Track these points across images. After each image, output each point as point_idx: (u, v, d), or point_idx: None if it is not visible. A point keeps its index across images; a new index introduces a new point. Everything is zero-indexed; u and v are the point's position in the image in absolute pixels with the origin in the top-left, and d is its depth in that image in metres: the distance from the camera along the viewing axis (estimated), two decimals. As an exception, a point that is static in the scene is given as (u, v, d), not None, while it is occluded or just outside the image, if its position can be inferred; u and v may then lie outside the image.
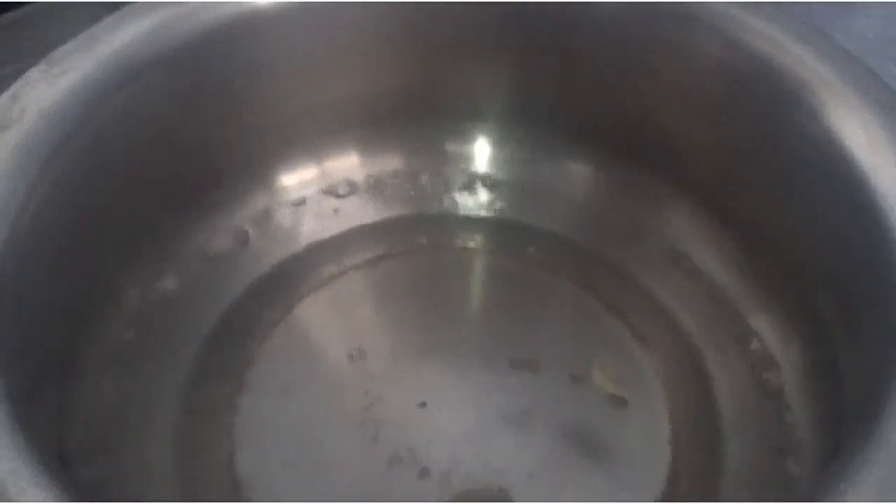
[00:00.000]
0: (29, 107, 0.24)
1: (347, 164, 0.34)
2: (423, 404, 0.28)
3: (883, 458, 0.18)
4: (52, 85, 0.25)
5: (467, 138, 0.34)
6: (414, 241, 0.33)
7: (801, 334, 0.27)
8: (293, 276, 0.32)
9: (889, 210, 0.23)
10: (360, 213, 0.33)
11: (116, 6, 0.28)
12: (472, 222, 0.34)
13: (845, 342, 0.24)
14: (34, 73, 0.25)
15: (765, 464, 0.26)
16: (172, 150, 0.29)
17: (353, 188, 0.34)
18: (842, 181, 0.24)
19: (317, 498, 0.26)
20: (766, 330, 0.29)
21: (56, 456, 0.24)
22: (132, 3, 0.28)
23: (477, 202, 0.34)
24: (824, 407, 0.25)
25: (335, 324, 0.31)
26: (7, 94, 0.25)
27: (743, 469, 0.27)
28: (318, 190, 0.33)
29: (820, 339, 0.26)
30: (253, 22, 0.29)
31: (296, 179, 0.33)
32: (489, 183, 0.34)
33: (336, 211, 0.33)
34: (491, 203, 0.34)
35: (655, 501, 0.26)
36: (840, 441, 0.22)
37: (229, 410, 0.28)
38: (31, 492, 0.18)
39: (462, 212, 0.34)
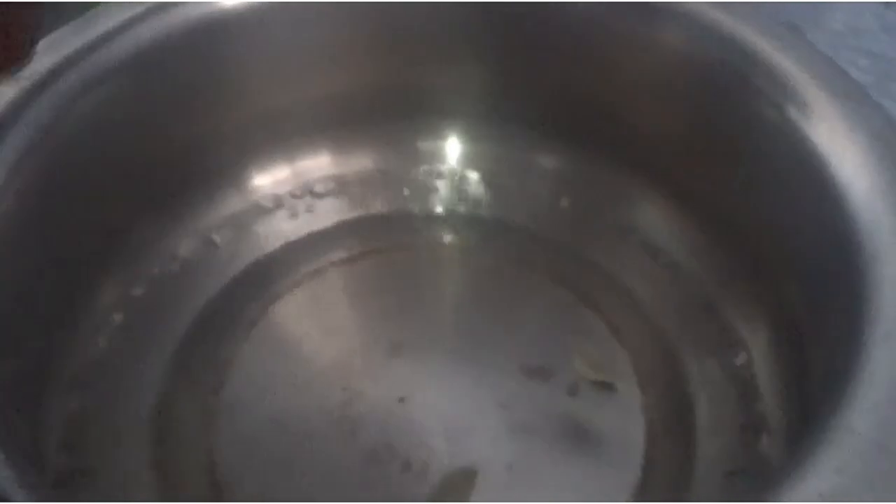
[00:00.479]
0: (-5, 111, 0.24)
1: (320, 163, 0.34)
2: (402, 399, 0.28)
3: (845, 441, 0.18)
4: (17, 89, 0.25)
5: (439, 136, 0.34)
6: (388, 239, 0.33)
7: (769, 319, 0.28)
8: (268, 276, 0.32)
9: (849, 196, 0.23)
10: (334, 212, 0.34)
11: (84, 6, 0.28)
12: (445, 219, 0.34)
13: (810, 326, 0.25)
14: (-1, 76, 0.25)
15: (737, 445, 0.27)
16: (142, 154, 0.29)
17: (326, 187, 0.34)
18: (804, 169, 0.25)
19: (297, 494, 0.26)
20: (735, 316, 0.29)
21: (32, 461, 0.24)
22: (97, 4, 0.28)
23: (449, 199, 0.34)
24: (792, 389, 0.26)
25: (312, 322, 0.31)
26: (-28, 100, 0.25)
27: (716, 451, 0.27)
28: (291, 190, 0.33)
29: (786, 324, 0.26)
30: (221, 23, 0.29)
31: (269, 180, 0.33)
32: (461, 180, 0.34)
33: (310, 210, 0.33)
34: (463, 200, 0.34)
35: (632, 487, 0.26)
36: (806, 420, 0.22)
37: (208, 410, 0.28)
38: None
39: (435, 209, 0.34)
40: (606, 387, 0.29)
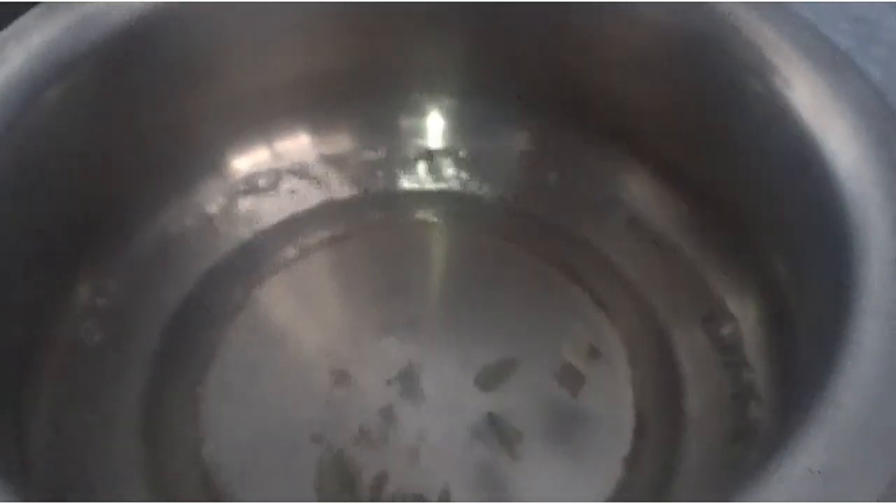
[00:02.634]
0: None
1: (299, 144, 0.33)
2: (390, 381, 0.28)
3: (834, 417, 0.18)
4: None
5: (420, 112, 0.34)
6: (371, 218, 0.33)
7: (756, 291, 0.28)
8: (251, 259, 0.32)
9: (835, 166, 0.23)
10: (315, 192, 0.33)
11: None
12: (428, 196, 0.34)
13: (798, 297, 0.25)
14: (-34, 67, 0.24)
15: (725, 417, 0.27)
16: (116, 141, 0.28)
17: (306, 168, 0.33)
18: (789, 140, 0.25)
19: (288, 478, 0.26)
20: (722, 287, 0.29)
21: (17, 456, 0.24)
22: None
23: (432, 176, 0.34)
24: (780, 360, 0.26)
25: (297, 305, 0.31)
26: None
27: (704, 422, 0.27)
28: (271, 172, 0.33)
29: (774, 295, 0.26)
30: (194, 4, 0.28)
31: (248, 163, 0.33)
32: (444, 156, 0.34)
33: (291, 192, 0.33)
34: (447, 176, 0.34)
35: (622, 461, 0.26)
36: (795, 393, 0.22)
37: (195, 396, 0.28)
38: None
39: (418, 186, 0.34)
40: (594, 362, 0.29)
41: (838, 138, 0.24)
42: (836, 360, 0.19)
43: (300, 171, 0.33)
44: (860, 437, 0.18)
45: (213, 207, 0.32)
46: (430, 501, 0.26)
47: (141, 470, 0.26)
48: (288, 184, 0.33)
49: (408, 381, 0.28)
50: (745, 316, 0.28)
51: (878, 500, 0.16)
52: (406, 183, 0.34)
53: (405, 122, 0.34)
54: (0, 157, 0.24)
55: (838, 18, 0.41)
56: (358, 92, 0.32)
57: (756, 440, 0.26)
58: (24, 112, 0.25)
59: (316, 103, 0.32)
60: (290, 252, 0.32)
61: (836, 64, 0.25)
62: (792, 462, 0.17)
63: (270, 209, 0.33)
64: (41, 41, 0.25)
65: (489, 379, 0.28)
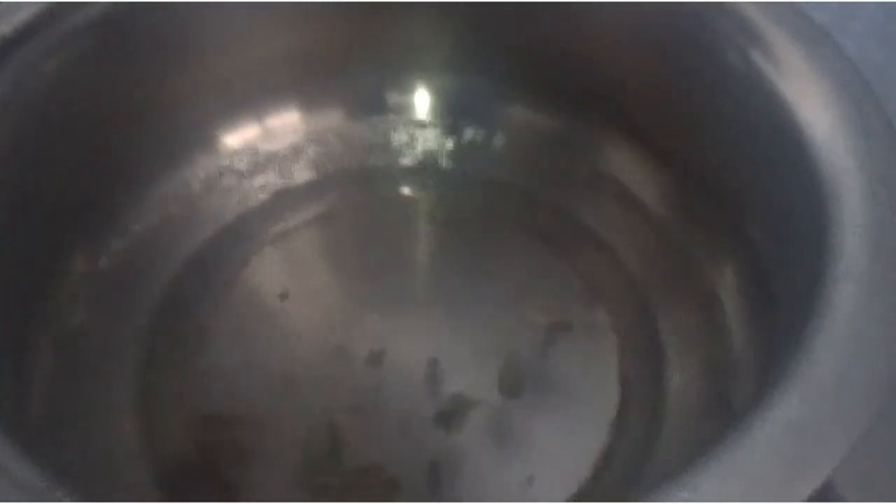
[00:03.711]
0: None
1: (289, 120, 0.33)
2: (382, 352, 0.29)
3: (809, 373, 0.19)
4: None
5: (408, 89, 0.34)
6: (360, 194, 0.33)
7: (736, 258, 0.28)
8: (242, 235, 0.32)
9: (812, 137, 0.24)
10: (304, 169, 0.34)
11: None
12: (416, 172, 0.34)
13: (776, 264, 0.25)
14: (-42, 44, 0.25)
15: (708, 384, 0.28)
16: (109, 116, 0.29)
17: (296, 145, 0.34)
18: (768, 112, 0.25)
19: (286, 453, 0.27)
20: (704, 257, 0.30)
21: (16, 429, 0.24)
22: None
23: (420, 152, 0.34)
24: (760, 327, 0.26)
25: (288, 281, 0.31)
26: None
27: (687, 389, 0.28)
28: (260, 148, 0.33)
29: (753, 262, 0.27)
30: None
31: (238, 139, 0.33)
32: (432, 132, 0.34)
33: (280, 168, 0.33)
34: (434, 153, 0.34)
35: (608, 426, 0.27)
36: (774, 357, 0.23)
37: (188, 373, 0.29)
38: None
39: (406, 162, 0.34)
40: (577, 332, 0.29)
41: (814, 109, 0.24)
42: (812, 320, 0.20)
43: (290, 148, 0.34)
44: (834, 391, 0.18)
45: (203, 183, 0.32)
46: (420, 472, 0.26)
47: (137, 439, 0.27)
48: (277, 159, 0.33)
49: (398, 353, 0.29)
50: (725, 284, 0.29)
51: (850, 449, 0.17)
52: (394, 158, 0.34)
53: (393, 99, 0.34)
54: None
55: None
56: (347, 68, 0.33)
57: (736, 405, 0.26)
58: (19, 85, 0.25)
59: (305, 80, 0.33)
60: (279, 228, 0.32)
61: (812, 37, 0.25)
62: (770, 415, 0.18)
63: (259, 185, 0.33)
64: (35, 17, 0.26)
65: (477, 350, 0.29)
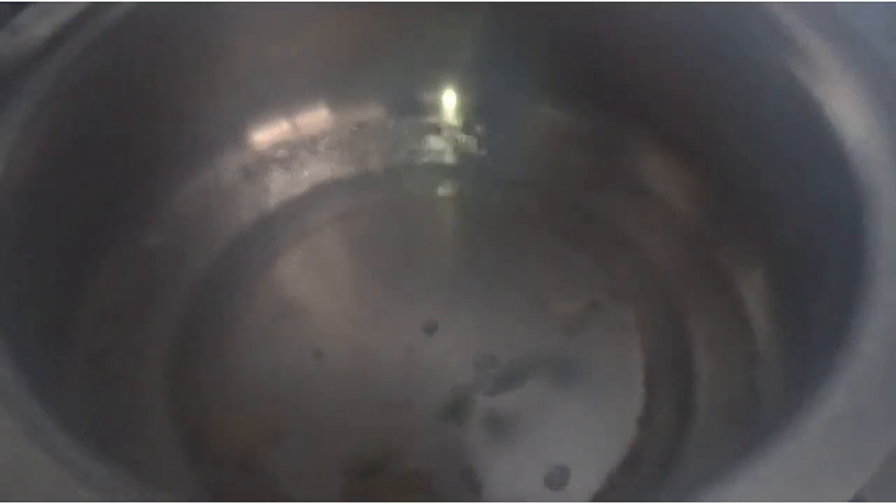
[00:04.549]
0: (-4, 77, 0.24)
1: (319, 118, 0.34)
2: (410, 349, 0.29)
3: (854, 364, 0.19)
4: (17, 55, 0.24)
5: (436, 87, 0.34)
6: (386, 192, 0.33)
7: (765, 259, 0.28)
8: (270, 232, 0.32)
9: (845, 134, 0.24)
10: (334, 166, 0.34)
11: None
12: (443, 171, 0.34)
13: (806, 261, 0.26)
14: (-3, 43, 0.25)
15: (736, 381, 0.28)
16: (143, 113, 0.29)
17: (325, 141, 0.34)
18: (800, 111, 0.26)
19: (313, 454, 0.27)
20: (732, 257, 0.30)
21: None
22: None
23: (447, 151, 0.35)
24: (788, 322, 0.26)
25: (314, 278, 0.31)
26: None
27: (714, 384, 0.28)
28: (290, 145, 0.33)
29: (782, 261, 0.27)
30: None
31: (268, 136, 0.33)
32: (459, 132, 0.35)
33: (309, 165, 0.34)
34: (461, 151, 0.35)
35: (636, 421, 0.27)
36: (807, 350, 0.24)
37: (217, 368, 0.29)
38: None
39: (433, 161, 0.34)
40: (603, 328, 0.30)
41: (847, 109, 0.24)
42: (855, 315, 0.20)
43: (318, 145, 0.34)
44: (880, 383, 0.19)
45: (231, 180, 0.32)
46: (453, 468, 0.26)
47: (167, 418, 0.27)
48: (306, 156, 0.34)
49: (426, 349, 0.29)
50: (754, 283, 0.29)
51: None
52: (421, 157, 0.34)
53: (421, 98, 0.34)
54: (40, 128, 0.25)
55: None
56: (377, 66, 0.33)
57: (762, 404, 0.26)
58: (59, 83, 0.25)
59: (335, 77, 0.33)
60: (308, 224, 0.32)
61: (845, 38, 0.26)
62: (820, 408, 0.18)
63: (288, 182, 0.33)
64: (73, 16, 0.26)
65: (503, 344, 0.29)
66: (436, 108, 0.34)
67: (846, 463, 0.18)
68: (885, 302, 0.20)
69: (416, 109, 0.34)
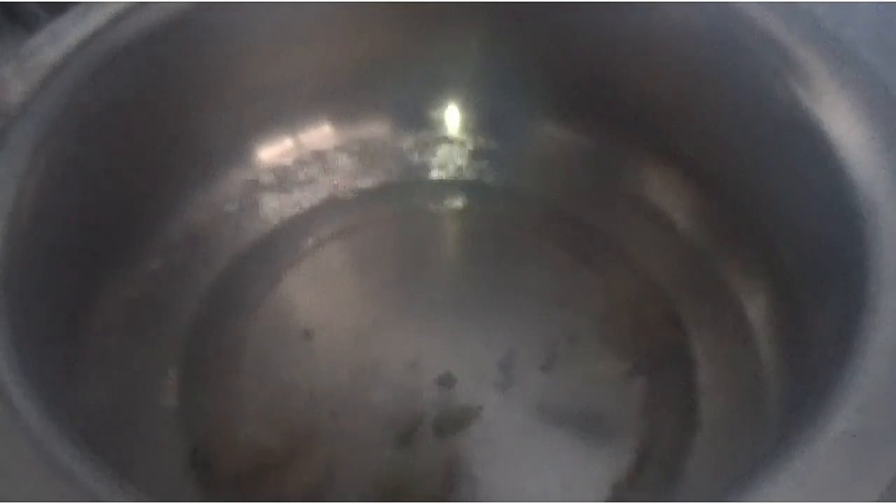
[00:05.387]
0: (7, 105, 0.24)
1: (322, 134, 0.34)
2: (413, 365, 0.29)
3: (861, 382, 0.20)
4: (27, 81, 0.25)
5: (439, 104, 0.34)
6: (390, 207, 0.34)
7: (766, 275, 0.29)
8: (276, 248, 0.32)
9: (844, 152, 0.24)
10: (337, 182, 0.34)
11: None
12: (445, 186, 0.34)
13: (806, 279, 0.26)
14: (6, 71, 0.25)
15: (739, 402, 0.28)
16: (150, 133, 0.29)
17: (328, 158, 0.34)
18: (802, 134, 0.26)
19: (318, 467, 0.27)
20: (733, 273, 0.30)
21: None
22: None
23: (450, 166, 0.35)
24: (790, 339, 0.27)
25: (320, 294, 0.31)
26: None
27: (717, 398, 0.28)
28: (294, 162, 0.33)
29: (783, 278, 0.27)
30: (218, 1, 0.29)
31: (273, 153, 0.33)
32: (462, 147, 0.35)
33: (313, 182, 0.34)
34: (463, 167, 0.35)
35: (636, 438, 0.27)
36: (809, 379, 0.23)
37: (224, 386, 0.29)
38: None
39: (436, 176, 0.35)
40: (603, 343, 0.30)
41: (846, 128, 0.25)
42: (858, 332, 0.21)
43: (322, 161, 0.34)
44: (888, 399, 0.19)
45: (238, 197, 0.33)
46: (439, 479, 0.27)
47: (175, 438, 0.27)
48: (310, 173, 0.34)
49: (430, 365, 0.29)
50: (755, 299, 0.29)
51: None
52: (424, 172, 0.34)
53: (424, 113, 0.34)
54: (50, 153, 0.25)
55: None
56: (379, 83, 0.33)
57: (769, 418, 0.26)
58: (68, 108, 0.25)
59: (338, 94, 0.33)
60: (312, 241, 0.32)
61: (841, 55, 0.26)
62: (830, 426, 0.19)
63: (293, 198, 0.33)
64: (81, 41, 0.26)
65: (504, 362, 0.29)
66: (439, 123, 0.35)
67: (856, 481, 0.18)
68: (889, 318, 0.21)
69: (420, 125, 0.34)
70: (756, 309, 0.29)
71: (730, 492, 0.19)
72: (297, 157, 0.33)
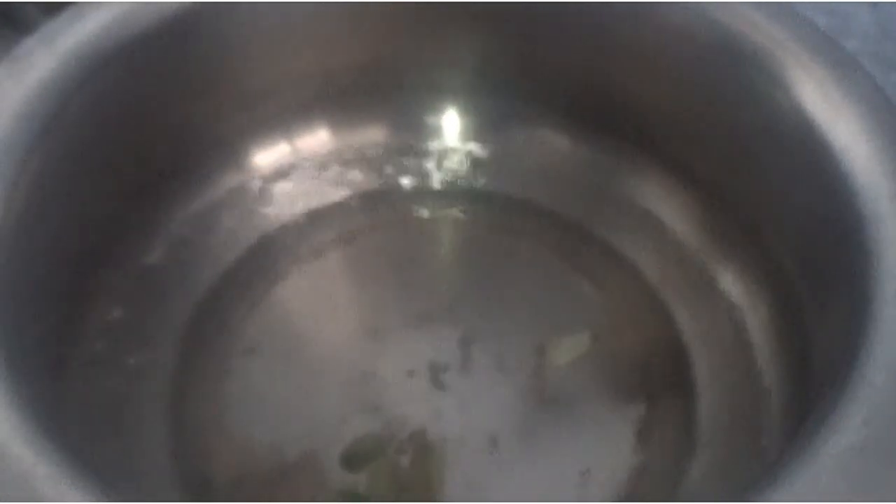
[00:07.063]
0: (-1, 106, 0.24)
1: (318, 140, 0.33)
2: (411, 373, 0.29)
3: (866, 395, 0.19)
4: (18, 83, 0.24)
5: (436, 110, 0.34)
6: (387, 214, 0.33)
7: (766, 285, 0.28)
8: (270, 255, 0.32)
9: (846, 162, 0.24)
10: (333, 188, 0.33)
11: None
12: (443, 193, 0.34)
13: (808, 289, 0.26)
14: (-1, 72, 0.24)
15: (739, 414, 0.28)
16: (144, 137, 0.29)
17: (324, 164, 0.34)
18: (800, 138, 0.26)
19: (316, 475, 0.27)
20: (732, 282, 0.30)
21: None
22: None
23: (448, 173, 0.34)
24: (791, 351, 0.27)
25: (316, 302, 0.31)
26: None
27: (716, 409, 0.28)
28: (290, 167, 0.33)
29: (784, 289, 0.27)
30: (213, 4, 0.29)
31: (268, 158, 0.33)
32: (460, 154, 0.35)
33: (309, 187, 0.33)
34: (462, 174, 0.34)
35: (635, 446, 0.27)
36: (808, 397, 0.24)
37: (218, 395, 0.28)
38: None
39: (433, 183, 0.34)
40: (601, 351, 0.30)
41: (848, 134, 0.25)
42: (861, 343, 0.20)
43: (318, 167, 0.34)
44: (893, 413, 0.19)
45: (233, 202, 0.32)
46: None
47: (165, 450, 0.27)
48: (306, 179, 0.33)
49: (430, 372, 0.29)
50: (754, 307, 0.29)
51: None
52: (421, 179, 0.34)
53: (422, 119, 0.34)
54: (41, 157, 0.24)
55: (814, 13, 0.42)
56: (377, 88, 0.33)
57: (771, 432, 0.26)
58: (61, 111, 0.25)
59: (335, 99, 0.33)
60: (308, 247, 0.32)
61: (842, 63, 0.26)
62: (835, 440, 0.19)
63: (289, 204, 0.33)
64: (73, 44, 0.26)
65: (505, 369, 0.29)
66: (437, 130, 0.34)
67: (862, 497, 0.18)
68: (893, 330, 0.20)
69: (418, 131, 0.34)
70: (758, 320, 0.29)
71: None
72: (293, 162, 0.33)
